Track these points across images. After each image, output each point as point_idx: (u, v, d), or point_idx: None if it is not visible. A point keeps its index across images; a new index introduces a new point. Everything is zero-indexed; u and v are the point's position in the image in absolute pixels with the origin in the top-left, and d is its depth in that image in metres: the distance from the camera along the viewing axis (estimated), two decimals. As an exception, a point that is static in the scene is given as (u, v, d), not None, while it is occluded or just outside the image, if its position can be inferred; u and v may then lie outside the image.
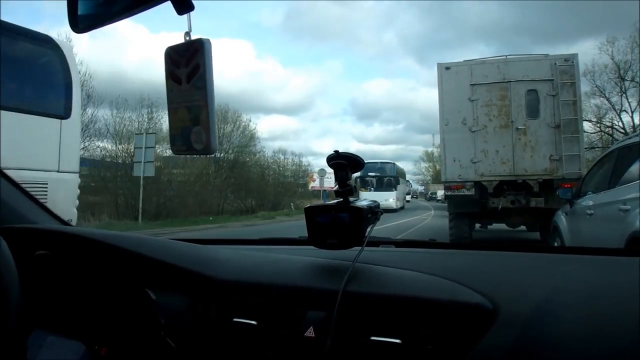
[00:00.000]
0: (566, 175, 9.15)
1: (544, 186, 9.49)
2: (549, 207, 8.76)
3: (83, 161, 21.79)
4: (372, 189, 34.45)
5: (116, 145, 23.08)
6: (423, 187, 76.77)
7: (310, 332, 0.95)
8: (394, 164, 37.86)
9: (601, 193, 5.28)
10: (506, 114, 9.60)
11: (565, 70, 9.51)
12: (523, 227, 11.46)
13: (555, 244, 6.63)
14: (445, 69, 10.04)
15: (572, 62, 9.57)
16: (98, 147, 22.43)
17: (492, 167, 9.68)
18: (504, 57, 10.29)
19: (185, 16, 0.72)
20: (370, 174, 35.80)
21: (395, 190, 34.95)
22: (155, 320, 1.05)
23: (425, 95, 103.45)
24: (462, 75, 9.89)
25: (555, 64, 9.53)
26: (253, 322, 1.03)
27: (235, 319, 1.05)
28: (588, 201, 5.55)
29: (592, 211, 5.32)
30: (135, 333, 1.07)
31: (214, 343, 1.06)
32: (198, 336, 1.06)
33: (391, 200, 32.99)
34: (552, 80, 9.48)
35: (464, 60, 10.40)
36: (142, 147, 17.71)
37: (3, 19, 5.95)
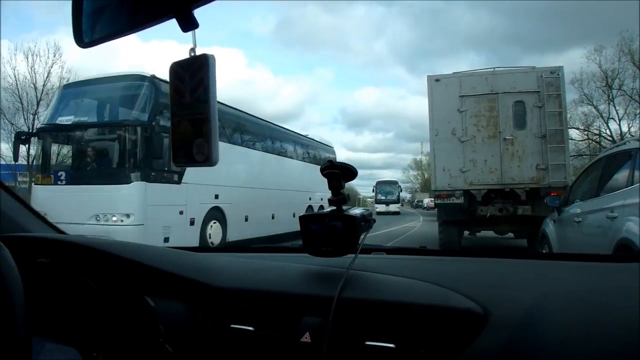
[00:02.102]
0: (552, 184, 9.30)
1: (531, 194, 9.66)
2: (536, 215, 8.93)
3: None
4: None
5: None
6: (410, 195, 77.14)
7: (306, 338, 0.97)
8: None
9: (589, 201, 5.31)
10: (494, 125, 9.75)
11: (551, 82, 9.69)
12: (511, 235, 11.63)
13: (544, 251, 6.66)
14: (435, 81, 10.18)
15: (558, 75, 9.77)
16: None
17: (481, 176, 9.79)
18: (492, 69, 10.44)
19: (177, 26, 0.73)
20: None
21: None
22: (153, 327, 1.06)
23: (415, 104, 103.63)
24: (452, 87, 10.04)
25: (542, 76, 9.71)
26: (250, 328, 1.05)
27: (232, 325, 1.06)
28: (576, 209, 5.59)
29: (580, 218, 5.36)
30: (134, 339, 1.08)
31: (212, 349, 1.07)
32: (196, 342, 1.08)
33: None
34: (539, 92, 9.66)
35: (453, 73, 10.57)
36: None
37: None
